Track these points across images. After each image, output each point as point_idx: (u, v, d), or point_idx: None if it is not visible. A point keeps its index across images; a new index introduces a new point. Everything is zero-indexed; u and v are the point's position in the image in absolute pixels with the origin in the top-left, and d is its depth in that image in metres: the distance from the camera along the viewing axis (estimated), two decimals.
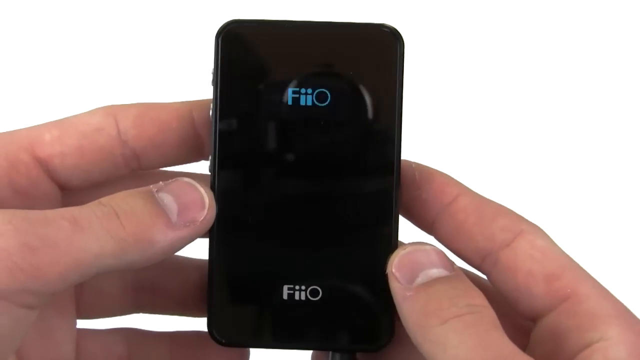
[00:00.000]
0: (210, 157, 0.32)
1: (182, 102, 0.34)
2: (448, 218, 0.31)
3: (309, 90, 0.31)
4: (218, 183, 0.32)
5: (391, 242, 0.31)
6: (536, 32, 0.67)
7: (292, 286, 0.32)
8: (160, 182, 0.31)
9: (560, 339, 0.29)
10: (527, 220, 0.31)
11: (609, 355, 0.28)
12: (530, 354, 0.27)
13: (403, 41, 0.31)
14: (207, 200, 0.31)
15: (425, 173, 0.32)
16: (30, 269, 0.27)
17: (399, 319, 0.30)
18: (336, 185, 0.32)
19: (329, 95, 0.31)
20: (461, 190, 0.32)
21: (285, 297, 0.32)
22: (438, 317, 0.28)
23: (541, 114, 0.66)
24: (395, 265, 0.30)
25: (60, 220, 0.28)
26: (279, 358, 0.35)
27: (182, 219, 0.30)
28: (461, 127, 0.62)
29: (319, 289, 0.32)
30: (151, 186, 0.31)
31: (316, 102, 0.31)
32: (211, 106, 0.32)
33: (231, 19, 0.32)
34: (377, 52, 0.31)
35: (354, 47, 0.32)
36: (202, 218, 0.30)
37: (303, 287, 0.32)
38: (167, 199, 0.30)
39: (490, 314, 0.28)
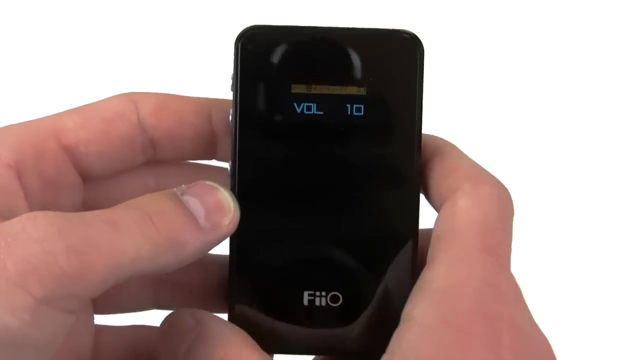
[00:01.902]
0: (230, 161, 0.32)
1: (202, 98, 0.33)
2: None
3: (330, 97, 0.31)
4: (239, 187, 0.32)
5: (410, 252, 0.31)
6: (545, 35, 0.67)
7: (312, 292, 0.32)
8: (183, 185, 0.30)
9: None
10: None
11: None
12: None
13: (423, 47, 0.31)
14: (232, 204, 0.30)
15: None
16: (75, 272, 0.26)
17: None
18: (357, 194, 0.32)
19: (349, 102, 0.31)
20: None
21: (305, 302, 0.32)
22: None
23: (551, 119, 0.66)
24: None
25: (99, 222, 0.27)
26: None
27: (209, 222, 0.29)
28: (479, 131, 0.63)
29: (339, 295, 0.32)
30: (174, 189, 0.30)
31: (337, 109, 0.31)
32: (231, 111, 0.32)
33: (251, 24, 0.32)
34: (397, 58, 0.31)
35: (373, 53, 0.31)
36: (228, 221, 0.30)
37: (324, 293, 0.32)
38: (192, 202, 0.30)
39: None
